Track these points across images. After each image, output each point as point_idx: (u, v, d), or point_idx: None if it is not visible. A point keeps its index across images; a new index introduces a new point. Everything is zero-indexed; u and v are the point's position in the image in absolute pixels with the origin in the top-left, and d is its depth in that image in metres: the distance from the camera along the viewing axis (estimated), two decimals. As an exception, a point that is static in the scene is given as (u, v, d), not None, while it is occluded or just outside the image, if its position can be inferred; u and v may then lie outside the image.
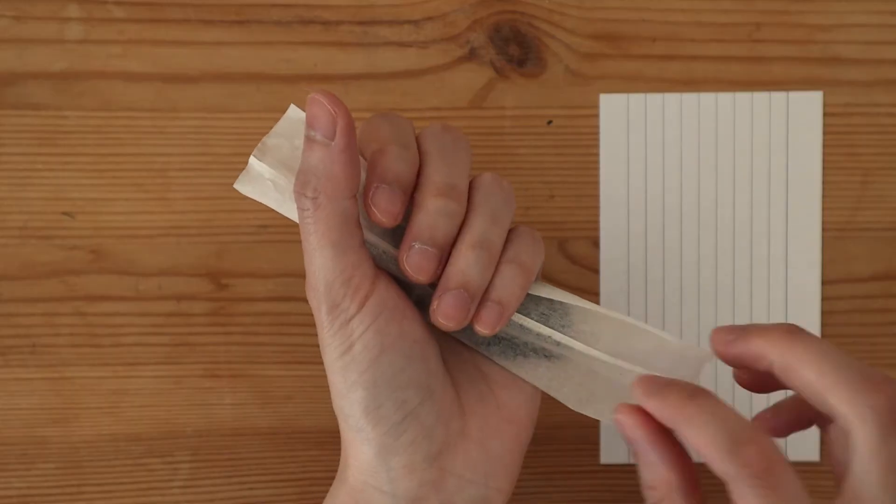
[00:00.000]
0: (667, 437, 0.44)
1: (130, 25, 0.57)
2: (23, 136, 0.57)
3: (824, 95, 0.57)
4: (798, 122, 0.57)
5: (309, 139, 0.44)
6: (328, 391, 0.58)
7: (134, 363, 0.58)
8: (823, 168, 0.57)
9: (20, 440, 0.58)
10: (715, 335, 0.45)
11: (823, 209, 0.57)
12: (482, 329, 0.46)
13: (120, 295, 0.58)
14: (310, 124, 0.44)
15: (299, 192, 0.44)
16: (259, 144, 0.46)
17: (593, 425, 0.58)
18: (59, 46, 0.57)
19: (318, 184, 0.44)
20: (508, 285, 0.46)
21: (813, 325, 0.57)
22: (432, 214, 0.45)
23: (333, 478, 0.55)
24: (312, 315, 0.58)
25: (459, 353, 0.49)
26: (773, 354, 0.43)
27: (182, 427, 0.58)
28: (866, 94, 0.57)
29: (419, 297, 0.48)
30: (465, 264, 0.45)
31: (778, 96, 0.57)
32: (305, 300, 0.57)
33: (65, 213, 0.57)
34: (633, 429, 0.43)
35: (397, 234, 0.46)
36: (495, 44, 0.57)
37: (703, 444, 0.41)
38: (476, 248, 0.45)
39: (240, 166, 0.57)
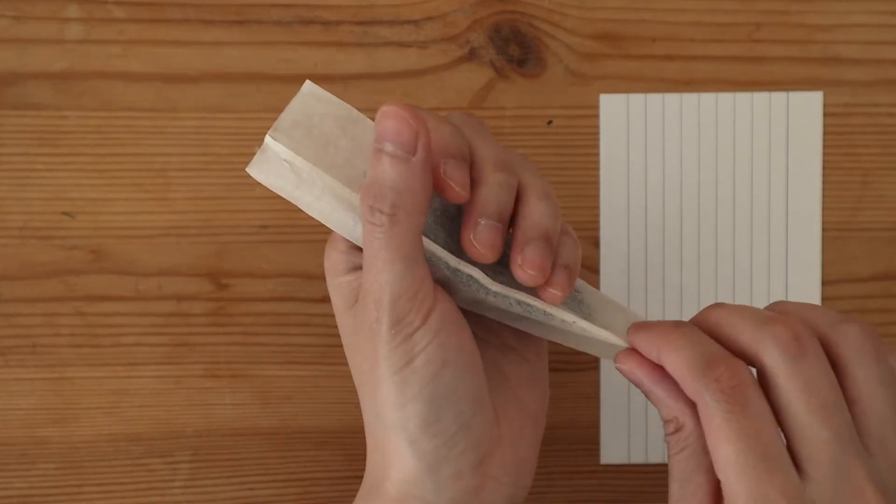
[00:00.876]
0: (667, 373, 0.45)
1: (130, 25, 0.57)
2: (23, 136, 0.57)
3: (824, 95, 0.57)
4: (798, 122, 0.57)
5: (382, 152, 0.42)
6: (328, 391, 0.58)
7: (134, 363, 0.58)
8: (823, 168, 0.57)
9: (20, 440, 0.58)
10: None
11: (823, 209, 0.57)
12: (557, 291, 0.45)
13: (120, 295, 0.58)
14: (384, 137, 0.42)
15: (372, 207, 0.42)
16: (275, 123, 0.44)
17: (593, 425, 0.58)
18: (59, 46, 0.57)
19: (396, 199, 0.42)
20: (570, 251, 0.46)
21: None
22: (494, 188, 0.44)
23: (333, 478, 0.55)
24: (312, 315, 0.58)
25: (484, 356, 0.48)
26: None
27: (182, 427, 0.58)
28: (866, 95, 0.57)
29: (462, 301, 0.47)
30: (540, 215, 0.45)
31: (778, 96, 0.57)
32: (305, 300, 0.58)
33: (65, 213, 0.57)
34: (633, 371, 0.45)
35: (439, 232, 0.46)
36: (495, 44, 0.57)
37: (678, 365, 0.42)
38: (544, 198, 0.45)
39: (240, 166, 0.57)
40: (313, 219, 0.57)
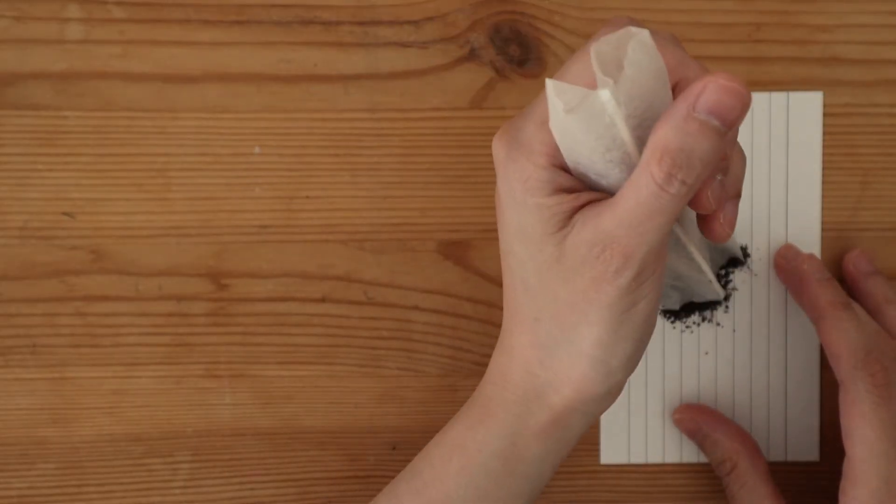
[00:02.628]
0: (721, 418, 0.57)
1: (130, 25, 0.57)
2: (23, 136, 0.57)
3: (824, 95, 0.57)
4: (798, 122, 0.57)
5: (705, 124, 0.41)
6: (328, 391, 0.58)
7: (134, 363, 0.58)
8: (823, 168, 0.57)
9: (20, 440, 0.58)
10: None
11: (823, 209, 0.57)
12: (729, 230, 0.46)
13: (120, 295, 0.58)
14: (713, 109, 0.41)
15: (671, 174, 0.41)
16: (619, 80, 0.41)
17: (593, 426, 0.58)
18: (59, 47, 0.57)
19: (701, 172, 0.41)
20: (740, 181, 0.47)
21: (812, 325, 0.57)
22: (739, 165, 0.45)
23: (333, 478, 0.55)
24: (312, 315, 0.58)
25: None
26: None
27: (182, 427, 0.58)
28: (866, 95, 0.57)
29: None
30: (740, 171, 0.46)
31: (778, 96, 0.57)
32: (305, 300, 0.58)
33: (65, 213, 0.57)
34: (693, 420, 0.57)
35: None
36: (495, 44, 0.57)
37: (840, 347, 0.51)
38: (740, 150, 0.46)
39: (240, 166, 0.57)
40: (313, 219, 0.58)
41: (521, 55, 0.57)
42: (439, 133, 0.57)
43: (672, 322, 0.57)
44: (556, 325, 0.45)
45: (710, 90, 0.41)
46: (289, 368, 0.58)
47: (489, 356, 0.57)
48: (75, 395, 0.58)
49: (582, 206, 0.44)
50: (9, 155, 0.57)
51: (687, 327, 0.58)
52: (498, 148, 0.45)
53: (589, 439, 0.58)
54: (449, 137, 0.57)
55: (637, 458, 0.58)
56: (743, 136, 0.57)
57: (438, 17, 0.57)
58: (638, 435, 0.58)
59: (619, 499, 0.58)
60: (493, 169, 0.57)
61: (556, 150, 0.43)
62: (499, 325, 0.57)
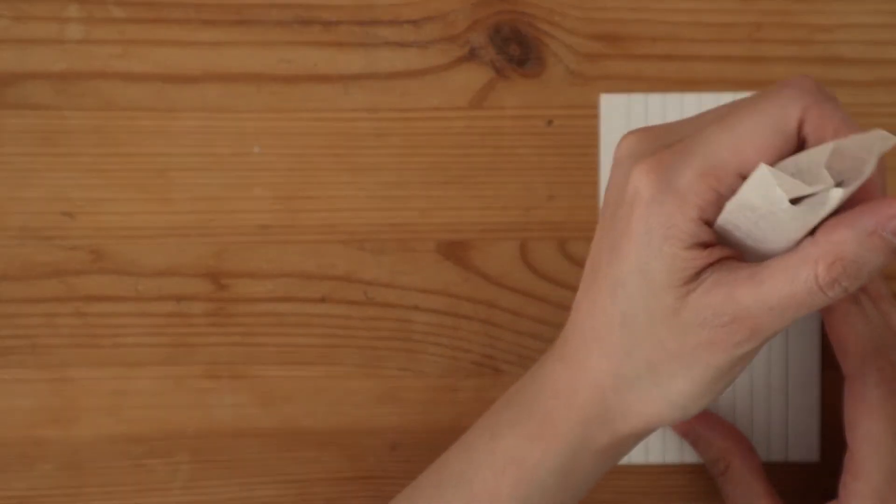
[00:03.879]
0: (713, 417, 0.56)
1: (130, 25, 0.57)
2: (23, 136, 0.57)
3: (825, 95, 0.57)
4: (798, 122, 0.57)
5: (888, 243, 0.40)
6: (328, 391, 0.58)
7: (134, 364, 0.58)
8: (824, 168, 0.57)
9: (20, 440, 0.58)
10: None
11: (824, 209, 0.57)
12: None
13: (120, 295, 0.57)
14: (891, 227, 0.40)
15: (836, 280, 0.41)
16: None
17: (593, 426, 0.58)
18: (59, 47, 0.57)
19: (863, 283, 0.41)
20: None
21: (812, 325, 0.57)
22: None
23: (333, 478, 0.55)
24: (312, 315, 0.58)
25: None
26: None
27: (182, 427, 0.58)
28: (867, 95, 0.57)
29: None
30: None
31: (778, 96, 0.57)
32: (305, 300, 0.58)
33: (65, 214, 0.57)
34: (689, 423, 0.56)
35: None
36: (495, 44, 0.57)
37: (849, 339, 0.50)
38: None
39: (240, 166, 0.57)
40: (313, 219, 0.58)
41: (521, 55, 0.57)
42: (439, 133, 0.57)
43: None
44: (648, 367, 0.44)
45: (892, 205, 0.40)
46: (289, 369, 0.58)
47: (489, 356, 0.57)
48: (75, 396, 0.58)
49: (714, 263, 0.43)
50: (9, 155, 0.57)
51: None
52: (644, 183, 0.43)
53: (589, 439, 0.58)
54: (449, 137, 0.57)
55: (637, 458, 0.58)
56: (743, 136, 0.57)
57: (438, 16, 0.57)
58: (638, 435, 0.58)
59: (619, 499, 0.58)
60: (493, 168, 0.57)
61: (710, 204, 0.42)
62: (499, 326, 0.57)
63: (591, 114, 0.57)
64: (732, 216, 0.42)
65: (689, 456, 0.58)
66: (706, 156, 0.42)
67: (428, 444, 0.57)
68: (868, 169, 0.40)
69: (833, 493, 0.51)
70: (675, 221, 0.42)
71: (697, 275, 0.43)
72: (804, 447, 0.58)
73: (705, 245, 0.43)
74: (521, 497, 0.47)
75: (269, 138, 0.57)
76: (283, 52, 0.57)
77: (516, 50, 0.57)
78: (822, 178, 0.40)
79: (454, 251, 0.58)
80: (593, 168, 0.57)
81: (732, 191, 0.42)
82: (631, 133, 0.45)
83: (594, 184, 0.57)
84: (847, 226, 0.40)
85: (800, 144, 0.42)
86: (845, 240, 0.40)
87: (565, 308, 0.57)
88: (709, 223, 0.43)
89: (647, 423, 0.46)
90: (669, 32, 0.57)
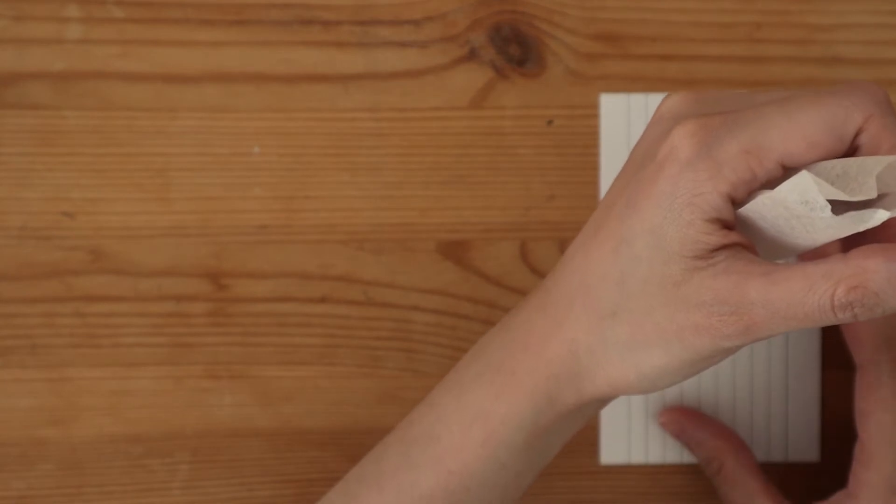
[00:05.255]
0: (703, 418, 0.56)
1: (130, 25, 0.57)
2: (23, 136, 0.57)
3: (824, 95, 0.57)
4: (798, 122, 0.57)
5: None
6: (328, 391, 0.58)
7: (134, 363, 0.58)
8: (824, 168, 0.57)
9: (20, 440, 0.58)
10: None
11: (824, 209, 0.57)
12: None
13: (119, 295, 0.57)
14: None
15: (850, 304, 0.40)
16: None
17: (593, 426, 0.58)
18: (59, 46, 0.57)
19: (876, 312, 0.40)
20: None
21: (813, 325, 0.57)
22: None
23: (333, 478, 0.55)
24: (312, 315, 0.58)
25: None
26: None
27: (182, 427, 0.58)
28: (866, 94, 0.57)
29: None
30: None
31: (778, 96, 0.57)
32: (305, 300, 0.58)
33: (64, 214, 0.57)
34: (677, 422, 0.56)
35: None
36: (495, 44, 0.57)
37: (862, 329, 0.49)
38: None
39: (240, 166, 0.57)
40: (313, 219, 0.58)
41: (521, 55, 0.57)
42: (439, 133, 0.57)
43: None
44: (629, 331, 0.43)
45: None
46: (289, 368, 0.58)
47: (489, 356, 0.57)
48: (75, 396, 0.58)
49: (729, 246, 0.41)
50: (8, 155, 0.57)
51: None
52: (684, 143, 0.41)
53: (589, 439, 0.58)
54: (449, 137, 0.57)
55: (637, 459, 0.58)
56: (743, 136, 0.57)
57: (438, 16, 0.57)
58: (638, 435, 0.58)
59: (619, 499, 0.58)
60: (492, 169, 0.57)
61: (744, 183, 0.41)
62: (499, 326, 0.57)
63: (591, 114, 0.57)
64: (762, 207, 0.41)
65: (689, 456, 0.58)
66: (756, 133, 0.41)
67: (428, 444, 0.57)
68: None
69: (833, 493, 0.52)
70: (703, 191, 0.41)
71: (710, 253, 0.41)
72: (804, 447, 0.58)
73: (725, 224, 0.41)
74: (489, 455, 0.46)
75: (268, 138, 0.57)
76: (283, 52, 0.57)
77: (516, 50, 0.57)
78: (867, 189, 0.40)
79: (454, 251, 0.58)
80: (593, 168, 0.57)
81: (770, 176, 0.41)
82: (676, 94, 0.44)
83: (594, 184, 0.57)
84: (886, 258, 0.39)
85: (851, 150, 0.42)
86: (877, 270, 0.39)
87: (565, 308, 0.57)
88: (735, 202, 0.41)
89: (614, 388, 0.44)
90: (669, 32, 0.57)
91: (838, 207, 0.40)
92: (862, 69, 0.57)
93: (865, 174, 0.40)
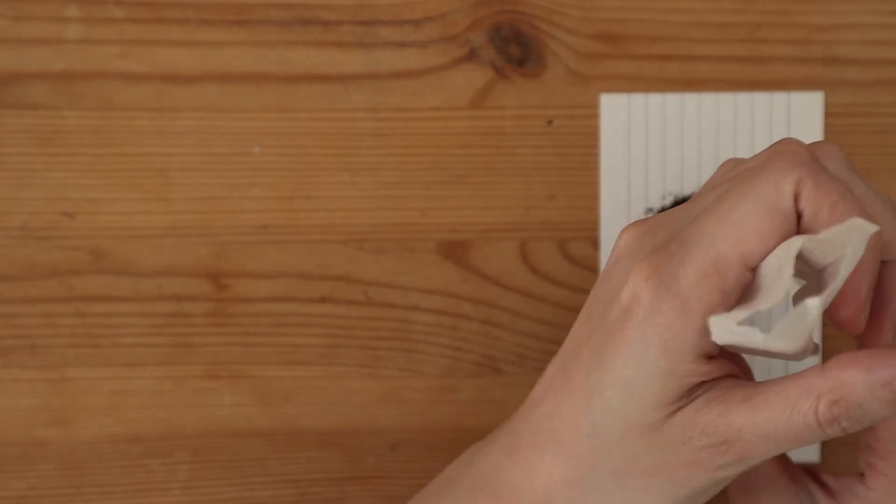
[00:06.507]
0: None
1: (130, 25, 0.57)
2: (22, 136, 0.57)
3: (825, 96, 0.57)
4: (799, 122, 0.57)
5: (890, 399, 0.38)
6: (328, 391, 0.58)
7: (134, 364, 0.58)
8: (824, 168, 0.57)
9: (20, 440, 0.58)
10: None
11: (824, 209, 0.57)
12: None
13: (119, 295, 0.57)
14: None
15: (836, 419, 0.38)
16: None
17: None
18: (59, 46, 0.57)
19: (863, 425, 0.38)
20: None
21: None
22: None
23: (333, 478, 0.55)
24: (312, 315, 0.58)
25: None
26: None
27: (182, 427, 0.58)
28: (867, 95, 0.57)
29: None
30: None
31: (779, 97, 0.57)
32: (305, 300, 0.58)
33: (64, 214, 0.57)
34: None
35: None
36: (495, 44, 0.57)
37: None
38: None
39: (240, 166, 0.57)
40: (313, 219, 0.58)
41: (521, 55, 0.57)
42: (439, 133, 0.57)
43: None
44: (616, 480, 0.41)
45: None
46: (289, 368, 0.58)
47: (489, 356, 0.57)
48: (75, 396, 0.58)
49: (708, 381, 0.39)
50: (8, 155, 0.57)
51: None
52: (642, 286, 0.39)
53: (589, 439, 0.58)
54: (449, 137, 0.57)
55: (637, 459, 0.58)
56: (743, 138, 0.57)
57: (438, 16, 0.57)
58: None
59: (619, 499, 0.58)
60: (493, 168, 0.57)
61: (714, 307, 0.38)
62: (499, 325, 0.57)
63: (591, 114, 0.57)
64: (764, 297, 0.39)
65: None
66: (705, 252, 0.39)
67: (428, 445, 0.57)
68: (844, 270, 0.37)
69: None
70: (675, 333, 0.39)
71: (690, 391, 0.39)
72: (804, 448, 0.58)
73: (709, 356, 0.39)
74: None
75: (268, 138, 0.57)
76: (283, 52, 0.57)
77: (516, 50, 0.57)
78: (781, 284, 0.37)
79: (454, 251, 0.58)
80: (593, 168, 0.57)
81: (741, 284, 0.39)
82: (629, 228, 0.42)
83: (594, 184, 0.57)
84: (861, 368, 0.38)
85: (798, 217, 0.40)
86: (856, 381, 0.38)
87: (565, 308, 0.57)
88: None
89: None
90: (669, 32, 0.57)
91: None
92: (862, 69, 0.57)
93: (784, 265, 0.38)
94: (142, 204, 0.57)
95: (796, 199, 0.39)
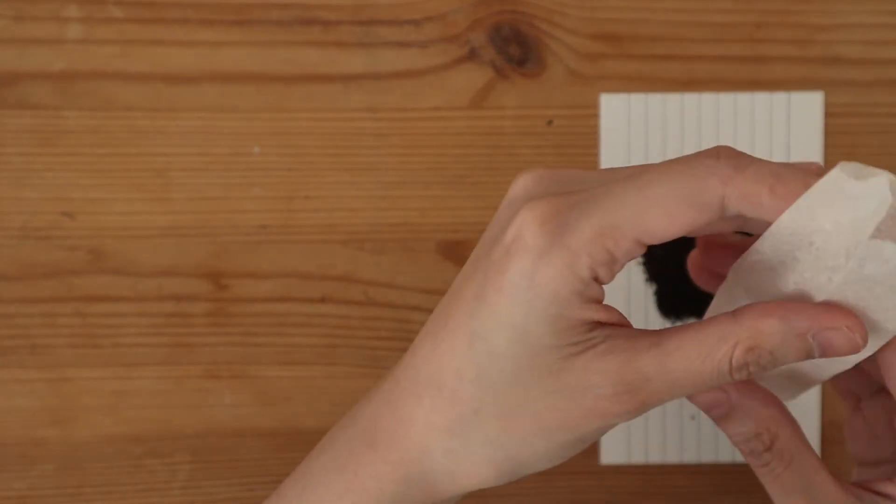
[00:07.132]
0: (753, 386, 0.43)
1: (130, 25, 0.57)
2: (22, 136, 0.57)
3: (825, 95, 0.57)
4: (799, 122, 0.57)
5: (809, 350, 0.38)
6: (328, 391, 0.58)
7: (134, 364, 0.58)
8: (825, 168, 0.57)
9: (20, 440, 0.58)
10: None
11: (824, 209, 0.57)
12: None
13: (119, 295, 0.57)
14: (824, 348, 0.38)
15: (747, 366, 0.38)
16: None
17: (593, 425, 0.58)
18: (59, 46, 0.57)
19: (765, 371, 0.39)
20: None
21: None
22: None
23: (333, 478, 0.55)
24: (311, 315, 0.58)
25: None
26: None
27: (182, 428, 0.58)
28: (867, 95, 0.57)
29: None
30: None
31: (779, 97, 0.57)
32: (305, 300, 0.58)
33: (64, 214, 0.57)
34: (721, 390, 0.42)
35: None
36: (495, 44, 0.57)
37: None
38: None
39: (240, 166, 0.57)
40: (313, 219, 0.58)
41: (521, 55, 0.57)
42: (439, 133, 0.57)
43: (672, 322, 0.57)
44: (498, 427, 0.40)
45: (839, 335, 0.38)
46: (289, 368, 0.58)
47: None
48: (75, 396, 0.58)
49: (605, 325, 0.39)
50: (8, 155, 0.57)
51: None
52: (531, 231, 0.38)
53: (589, 439, 0.58)
54: (449, 137, 0.57)
55: (637, 458, 0.58)
56: (743, 137, 0.57)
57: (438, 16, 0.57)
58: (638, 435, 0.58)
59: (619, 499, 0.58)
60: (493, 168, 0.57)
61: (603, 265, 0.38)
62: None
63: (591, 114, 0.57)
64: (786, 236, 0.39)
65: (690, 456, 0.58)
66: (608, 213, 0.38)
67: (428, 444, 0.57)
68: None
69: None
70: (564, 283, 0.38)
71: (586, 334, 0.39)
72: (804, 447, 0.58)
73: (595, 300, 0.39)
74: None
75: (268, 138, 0.57)
76: (283, 52, 0.57)
77: (516, 50, 0.57)
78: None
79: (454, 251, 0.58)
80: (593, 168, 0.57)
81: (629, 256, 0.38)
82: (529, 171, 0.41)
83: (594, 184, 0.57)
84: (780, 318, 0.38)
85: (738, 221, 0.40)
86: (773, 331, 0.38)
87: (565, 308, 0.57)
88: (598, 281, 0.39)
89: (478, 484, 0.41)
90: (669, 32, 0.57)
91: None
92: (862, 69, 0.57)
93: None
94: (142, 204, 0.57)
95: (725, 199, 0.38)
